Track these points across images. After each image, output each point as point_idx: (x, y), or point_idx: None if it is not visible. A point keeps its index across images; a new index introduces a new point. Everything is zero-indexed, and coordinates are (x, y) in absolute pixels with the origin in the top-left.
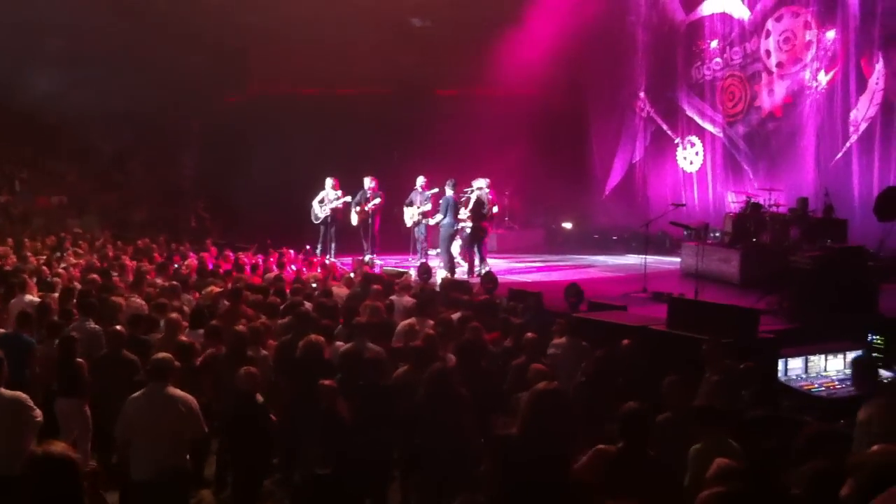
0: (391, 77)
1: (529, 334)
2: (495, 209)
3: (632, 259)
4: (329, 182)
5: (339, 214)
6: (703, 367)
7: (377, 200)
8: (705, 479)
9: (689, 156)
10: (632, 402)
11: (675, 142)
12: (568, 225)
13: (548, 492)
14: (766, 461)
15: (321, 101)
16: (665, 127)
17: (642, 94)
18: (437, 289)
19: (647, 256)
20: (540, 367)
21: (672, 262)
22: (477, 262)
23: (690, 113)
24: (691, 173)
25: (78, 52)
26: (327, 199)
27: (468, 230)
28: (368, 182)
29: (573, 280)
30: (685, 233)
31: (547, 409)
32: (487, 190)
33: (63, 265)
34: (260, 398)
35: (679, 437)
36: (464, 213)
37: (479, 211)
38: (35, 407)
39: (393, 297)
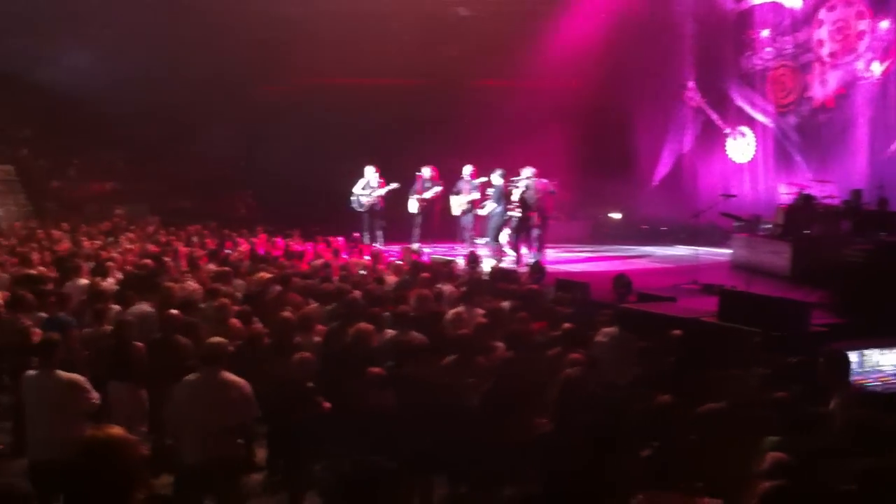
0: (432, 67)
1: (567, 324)
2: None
3: (680, 250)
4: (370, 170)
5: (383, 202)
6: (754, 361)
7: (437, 189)
8: (760, 473)
9: (740, 146)
10: (665, 396)
11: (726, 132)
12: (616, 215)
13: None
14: (818, 456)
15: (363, 91)
16: (715, 117)
17: (691, 85)
18: (485, 278)
19: (697, 248)
20: (574, 357)
21: (721, 253)
22: (525, 251)
23: (741, 103)
24: (742, 164)
25: (126, 45)
26: (369, 187)
27: (515, 220)
28: (428, 171)
29: (621, 271)
30: (735, 224)
31: (575, 396)
32: (535, 180)
33: (118, 250)
34: (310, 384)
35: (727, 429)
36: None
37: (526, 201)
38: (91, 390)
39: (441, 286)
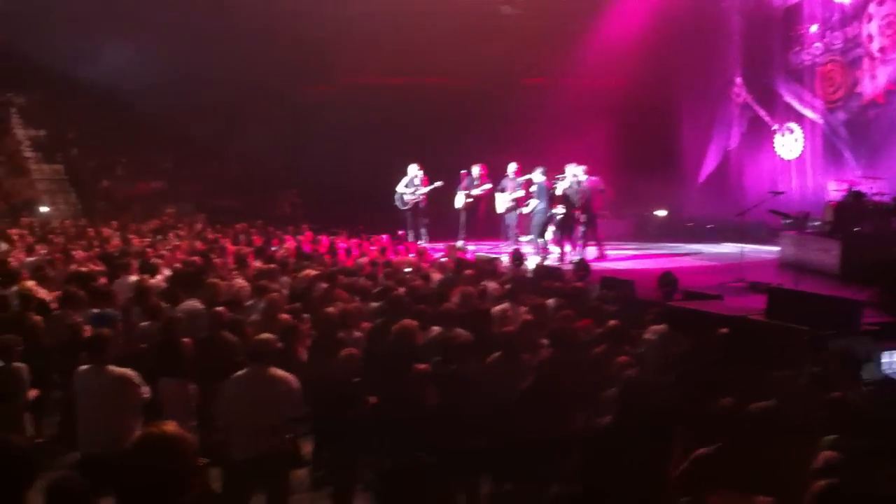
0: (475, 66)
1: (612, 322)
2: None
3: (727, 248)
4: (414, 168)
5: (426, 200)
6: (803, 359)
7: (486, 186)
8: (813, 472)
9: (788, 143)
10: (728, 398)
11: (773, 129)
12: (661, 213)
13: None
14: (872, 455)
15: (408, 90)
16: (762, 113)
17: (738, 81)
18: (530, 276)
19: (744, 245)
20: (624, 359)
21: (769, 251)
22: (568, 248)
23: (789, 99)
24: (790, 161)
25: (172, 46)
26: (413, 185)
27: (559, 217)
28: (477, 170)
29: (666, 269)
30: (783, 222)
31: (636, 400)
32: (584, 178)
33: (167, 248)
34: (356, 381)
35: (778, 428)
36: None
37: (570, 198)
38: (142, 384)
39: (486, 283)
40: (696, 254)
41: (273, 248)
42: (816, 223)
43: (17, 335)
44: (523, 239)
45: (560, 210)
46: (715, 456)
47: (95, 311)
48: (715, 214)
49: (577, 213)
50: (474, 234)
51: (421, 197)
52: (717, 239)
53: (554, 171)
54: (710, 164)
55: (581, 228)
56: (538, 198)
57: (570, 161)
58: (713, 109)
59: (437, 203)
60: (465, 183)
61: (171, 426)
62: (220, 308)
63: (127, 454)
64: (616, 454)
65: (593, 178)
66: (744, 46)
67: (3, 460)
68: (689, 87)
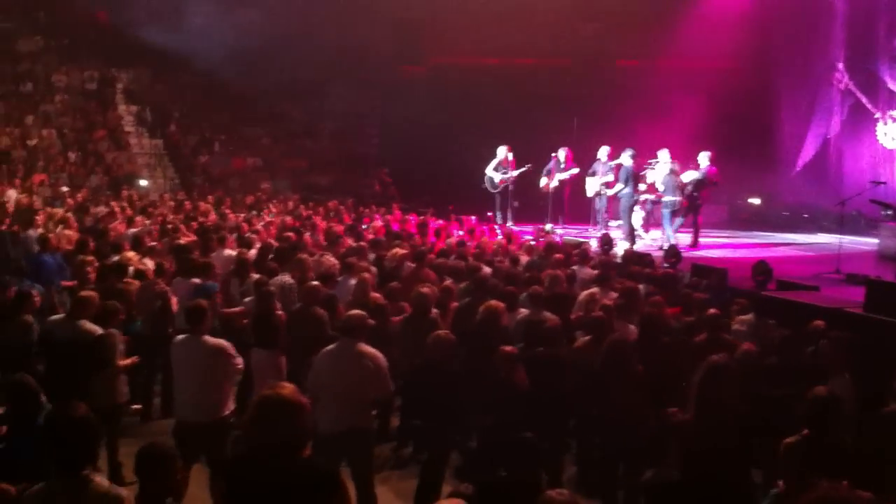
0: (570, 47)
1: (712, 310)
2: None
3: (823, 238)
4: (503, 150)
5: (514, 182)
6: None
7: (574, 171)
8: None
9: (891, 131)
10: (820, 387)
11: (875, 116)
12: (755, 201)
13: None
14: None
15: (499, 71)
16: (864, 100)
17: (840, 66)
18: (618, 261)
19: (842, 236)
20: (749, 345)
21: (866, 243)
22: (658, 234)
23: (893, 86)
24: (892, 150)
25: (269, 26)
26: (502, 167)
27: (649, 202)
28: (563, 153)
29: (760, 258)
30: (883, 213)
31: (721, 385)
32: (706, 165)
33: (261, 223)
34: (445, 360)
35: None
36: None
37: (665, 185)
38: (236, 355)
39: (574, 267)
40: (790, 244)
41: (363, 227)
42: None
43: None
44: (613, 224)
45: (650, 196)
46: (804, 445)
47: (197, 281)
48: (812, 204)
49: (682, 200)
50: (564, 218)
51: (510, 179)
52: (814, 229)
53: (646, 156)
54: (808, 152)
55: (678, 216)
56: (623, 181)
57: (663, 146)
58: (813, 95)
59: (527, 186)
60: (550, 166)
61: (288, 389)
62: (314, 283)
63: (218, 421)
64: (712, 440)
65: (713, 169)
66: (847, 31)
67: (65, 428)
68: (789, 71)
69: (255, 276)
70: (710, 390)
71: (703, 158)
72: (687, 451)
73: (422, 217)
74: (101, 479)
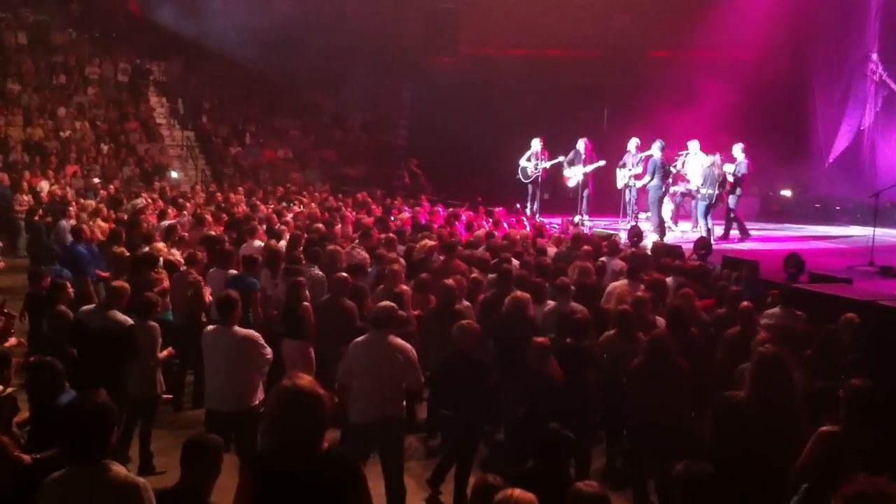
0: (603, 38)
1: (745, 303)
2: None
3: (856, 231)
4: (536, 142)
5: (546, 174)
6: None
7: (599, 163)
8: None
9: None
10: (856, 379)
11: None
12: (787, 193)
13: (768, 462)
14: None
15: (530, 62)
16: None
17: (874, 57)
18: (648, 253)
19: (875, 228)
20: (766, 336)
21: None
22: (689, 226)
23: None
24: None
25: (300, 17)
26: (535, 158)
27: (679, 194)
28: (582, 144)
29: (792, 250)
30: None
31: (773, 374)
32: (742, 158)
33: (290, 214)
34: (473, 352)
35: None
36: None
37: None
38: (265, 345)
39: (604, 259)
40: (823, 236)
41: (392, 219)
42: None
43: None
44: (642, 216)
45: (681, 187)
46: (840, 436)
47: (233, 272)
48: (845, 196)
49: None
50: (594, 210)
51: (542, 171)
52: (847, 221)
53: (676, 147)
54: (841, 143)
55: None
56: (651, 173)
57: (694, 137)
58: (847, 86)
59: (558, 178)
60: (569, 157)
61: (305, 380)
62: (343, 274)
63: (248, 410)
64: (749, 431)
65: (748, 161)
66: (882, 21)
67: (87, 415)
68: (823, 61)
69: (285, 266)
70: (762, 381)
71: (738, 151)
72: (727, 438)
73: (450, 209)
74: (119, 468)
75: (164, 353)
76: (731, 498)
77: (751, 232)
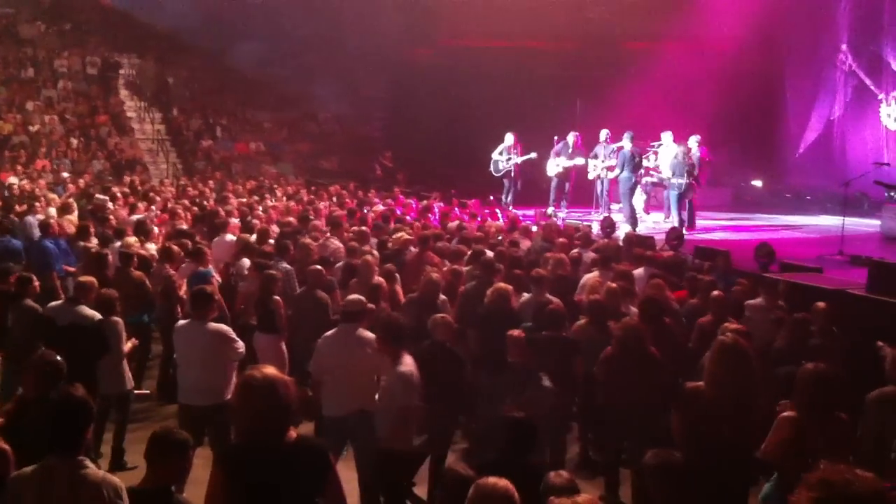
0: (578, 30)
1: (716, 293)
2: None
3: (827, 220)
4: (510, 136)
5: (518, 169)
6: None
7: (580, 161)
8: None
9: (894, 113)
10: (809, 364)
11: (879, 98)
12: (758, 183)
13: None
14: None
15: (508, 53)
16: (868, 82)
17: (844, 48)
18: (620, 244)
19: (845, 218)
20: (736, 325)
21: (871, 224)
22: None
23: None
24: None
25: (274, 9)
26: (507, 153)
27: (649, 185)
28: (573, 137)
29: (763, 240)
30: (887, 194)
31: (731, 361)
32: (696, 147)
33: (261, 208)
34: (449, 344)
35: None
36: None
37: (671, 167)
38: (237, 339)
39: (578, 251)
40: (794, 226)
41: (364, 211)
42: None
43: (118, 289)
44: (615, 207)
45: (650, 177)
46: (799, 421)
47: (201, 269)
48: (815, 185)
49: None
50: (566, 202)
51: (513, 165)
52: (817, 211)
53: (650, 138)
54: (811, 134)
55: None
56: (622, 165)
57: (667, 128)
58: (818, 76)
59: (529, 170)
60: (557, 149)
61: (270, 369)
62: (317, 267)
63: (222, 405)
64: (711, 418)
65: (704, 149)
66: (852, 12)
67: (67, 409)
68: (794, 52)
69: (255, 260)
70: (721, 368)
71: (693, 142)
72: (692, 426)
73: (424, 202)
74: (93, 465)
75: (129, 345)
76: (702, 485)
77: (722, 222)
